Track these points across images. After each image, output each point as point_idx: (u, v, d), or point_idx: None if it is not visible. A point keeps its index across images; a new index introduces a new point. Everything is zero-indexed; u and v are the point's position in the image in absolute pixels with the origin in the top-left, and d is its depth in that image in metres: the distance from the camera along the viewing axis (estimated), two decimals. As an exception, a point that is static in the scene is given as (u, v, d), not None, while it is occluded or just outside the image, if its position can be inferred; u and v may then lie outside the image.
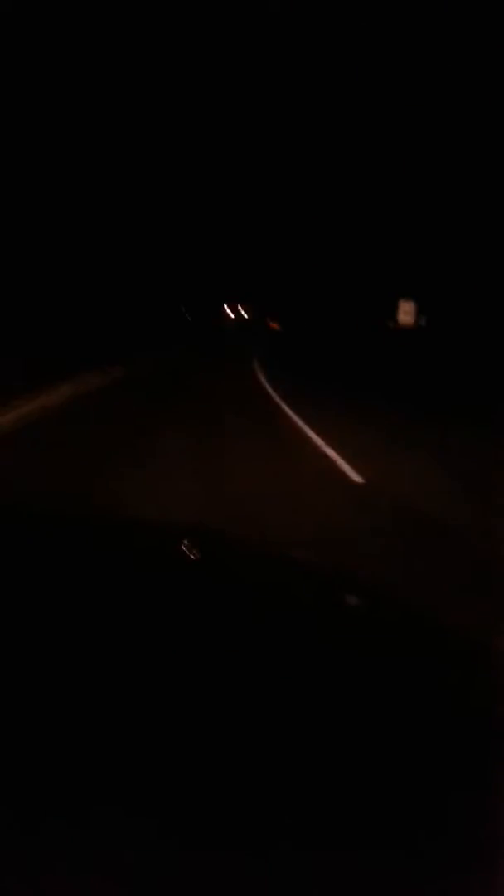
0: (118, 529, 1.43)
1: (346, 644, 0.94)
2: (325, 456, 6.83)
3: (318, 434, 7.75)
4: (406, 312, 33.32)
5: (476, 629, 1.43)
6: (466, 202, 28.44)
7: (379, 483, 5.90)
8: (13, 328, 13.71)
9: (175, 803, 0.56)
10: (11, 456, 5.53)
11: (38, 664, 0.75)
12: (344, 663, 0.87)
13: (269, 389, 12.20)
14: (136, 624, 0.89)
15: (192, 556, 1.31)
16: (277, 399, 11.29)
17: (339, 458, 6.61)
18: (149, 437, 6.85)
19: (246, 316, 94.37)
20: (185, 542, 1.38)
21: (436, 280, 33.30)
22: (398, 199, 35.08)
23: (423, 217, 33.37)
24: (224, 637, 0.89)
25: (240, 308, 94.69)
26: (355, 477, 6.04)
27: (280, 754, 0.64)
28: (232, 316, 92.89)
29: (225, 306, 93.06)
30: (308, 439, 7.69)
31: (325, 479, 6.02)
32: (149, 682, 0.75)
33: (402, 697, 0.81)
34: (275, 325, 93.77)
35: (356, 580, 1.49)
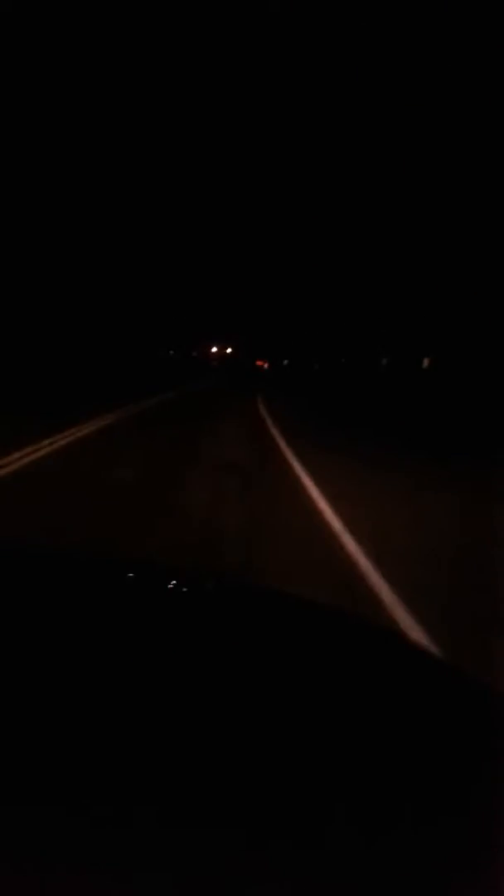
0: (113, 567, 1.44)
1: (345, 682, 0.93)
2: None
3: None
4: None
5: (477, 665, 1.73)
6: (466, 229, 27.51)
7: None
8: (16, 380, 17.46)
9: (175, 803, 0.57)
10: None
11: (39, 675, 0.77)
12: (343, 700, 0.87)
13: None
14: (131, 662, 0.89)
15: (185, 595, 1.30)
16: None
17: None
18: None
19: (230, 353, 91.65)
20: (179, 580, 1.40)
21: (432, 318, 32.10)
22: (393, 231, 34.33)
23: (417, 254, 32.36)
24: (222, 676, 0.89)
25: (228, 349, 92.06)
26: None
27: (280, 756, 0.65)
28: (216, 353, 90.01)
29: (213, 348, 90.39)
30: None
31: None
32: (150, 692, 0.77)
33: (402, 699, 0.84)
34: (261, 364, 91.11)
35: (355, 617, 1.60)
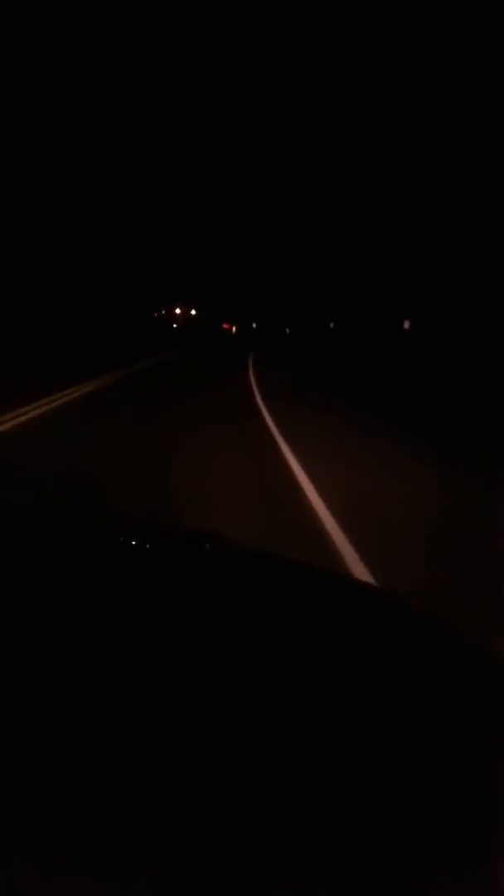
0: (118, 530, 1.42)
1: (345, 646, 0.93)
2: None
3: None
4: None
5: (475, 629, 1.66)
6: (451, 208, 28.39)
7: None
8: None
9: (175, 803, 0.56)
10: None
11: (38, 666, 0.75)
12: (344, 665, 0.87)
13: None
14: (135, 627, 0.88)
15: (188, 558, 1.30)
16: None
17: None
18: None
19: (194, 315, 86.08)
20: (183, 544, 1.41)
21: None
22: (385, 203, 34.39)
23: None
24: (224, 640, 0.89)
25: (192, 311, 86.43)
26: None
27: (280, 754, 0.65)
28: (180, 315, 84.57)
29: (177, 309, 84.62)
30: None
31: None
32: (149, 685, 0.75)
33: (403, 698, 0.82)
34: (228, 327, 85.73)
35: (352, 581, 1.64)
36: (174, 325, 72.80)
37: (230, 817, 0.55)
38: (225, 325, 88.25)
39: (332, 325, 48.11)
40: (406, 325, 33.37)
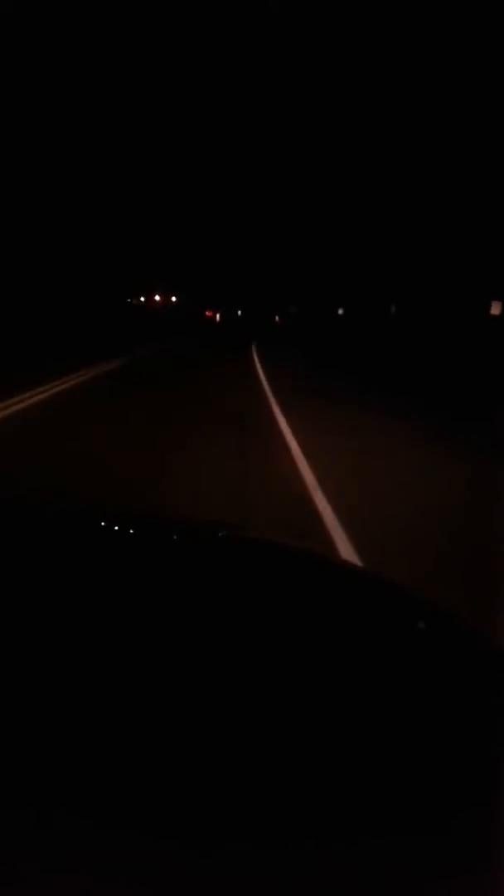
0: (115, 521, 1.40)
1: (347, 636, 0.93)
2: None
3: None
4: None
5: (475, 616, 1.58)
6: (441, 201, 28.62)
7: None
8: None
9: (174, 802, 0.56)
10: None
11: (36, 659, 0.75)
12: (346, 656, 0.87)
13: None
14: (133, 619, 0.88)
15: (187, 548, 1.29)
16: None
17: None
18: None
19: (175, 301, 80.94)
20: (181, 533, 1.39)
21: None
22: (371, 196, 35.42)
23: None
24: (224, 631, 0.88)
25: (173, 298, 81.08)
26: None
27: (281, 751, 0.64)
28: (160, 302, 79.34)
29: (156, 296, 79.31)
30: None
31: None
32: (148, 679, 0.74)
33: (405, 693, 0.81)
34: (211, 314, 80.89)
35: (355, 569, 1.62)
36: (152, 313, 66.85)
37: (230, 815, 0.55)
38: (208, 313, 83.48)
39: (340, 311, 45.37)
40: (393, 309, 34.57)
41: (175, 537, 1.35)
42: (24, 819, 0.51)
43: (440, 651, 0.92)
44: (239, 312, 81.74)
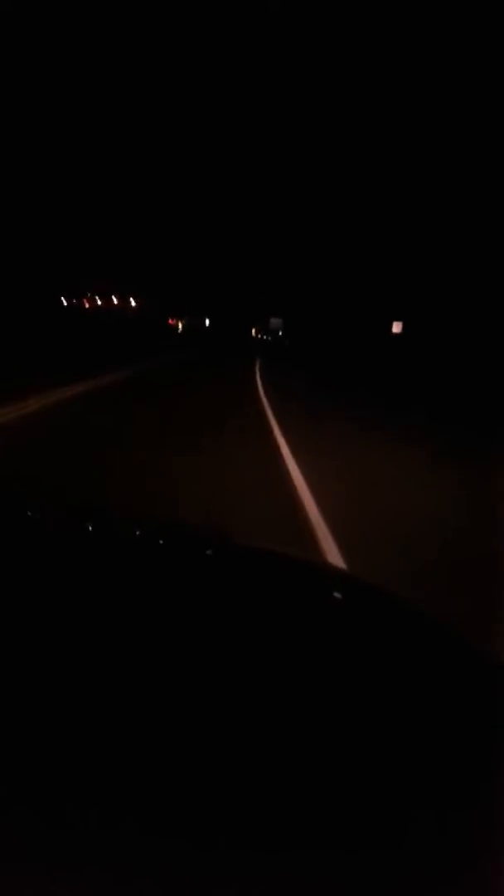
0: (116, 526, 1.43)
1: (345, 644, 0.94)
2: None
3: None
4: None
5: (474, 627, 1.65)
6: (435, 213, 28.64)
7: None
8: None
9: (174, 802, 0.56)
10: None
11: (34, 659, 0.76)
12: (343, 662, 0.88)
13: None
14: (130, 624, 0.88)
15: (187, 554, 1.29)
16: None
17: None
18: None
19: (135, 306, 71.56)
20: (180, 539, 1.40)
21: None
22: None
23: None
24: (221, 637, 0.89)
25: (133, 302, 71.65)
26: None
27: (279, 754, 0.65)
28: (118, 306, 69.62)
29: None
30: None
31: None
32: (147, 681, 0.75)
33: (403, 697, 0.82)
34: (173, 323, 72.27)
35: (354, 579, 1.58)
36: (89, 318, 54.59)
37: (229, 818, 0.55)
38: (171, 321, 74.48)
39: (397, 328, 38.82)
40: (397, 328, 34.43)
41: (170, 543, 1.35)
42: (25, 819, 0.51)
43: (439, 662, 0.93)
44: (207, 321, 72.78)
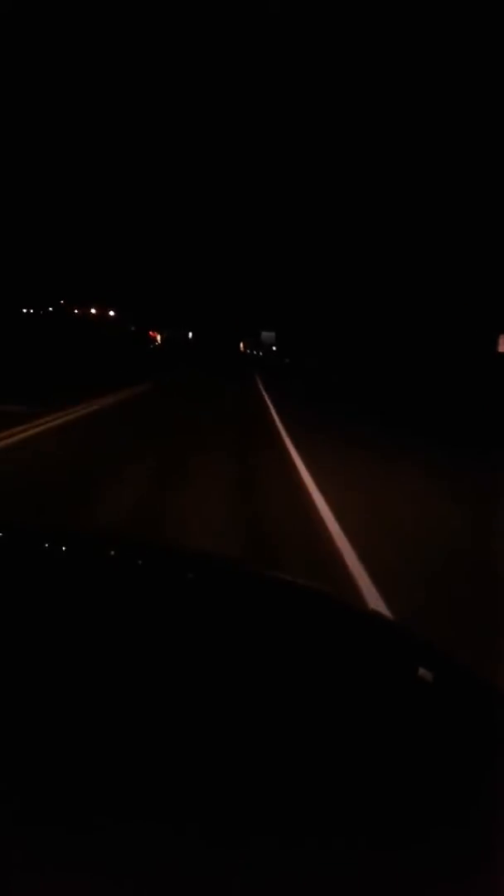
0: (120, 548, 1.43)
1: (346, 665, 0.96)
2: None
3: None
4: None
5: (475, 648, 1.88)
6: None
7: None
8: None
9: (174, 803, 0.57)
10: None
11: (39, 672, 0.77)
12: (344, 675, 0.90)
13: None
14: (130, 646, 0.89)
15: (189, 580, 1.29)
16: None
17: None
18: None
19: (113, 315, 68.38)
20: (182, 564, 1.39)
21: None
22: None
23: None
24: (221, 658, 0.90)
25: (111, 312, 68.35)
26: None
27: (280, 756, 0.66)
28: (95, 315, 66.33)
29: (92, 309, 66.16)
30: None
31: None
32: (150, 689, 0.77)
33: (403, 704, 0.84)
34: (154, 335, 69.41)
35: (354, 604, 1.67)
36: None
37: (230, 816, 0.56)
38: (151, 333, 71.46)
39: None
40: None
41: (176, 568, 1.34)
42: (27, 819, 0.52)
43: (439, 691, 0.94)
44: (189, 335, 69.87)
